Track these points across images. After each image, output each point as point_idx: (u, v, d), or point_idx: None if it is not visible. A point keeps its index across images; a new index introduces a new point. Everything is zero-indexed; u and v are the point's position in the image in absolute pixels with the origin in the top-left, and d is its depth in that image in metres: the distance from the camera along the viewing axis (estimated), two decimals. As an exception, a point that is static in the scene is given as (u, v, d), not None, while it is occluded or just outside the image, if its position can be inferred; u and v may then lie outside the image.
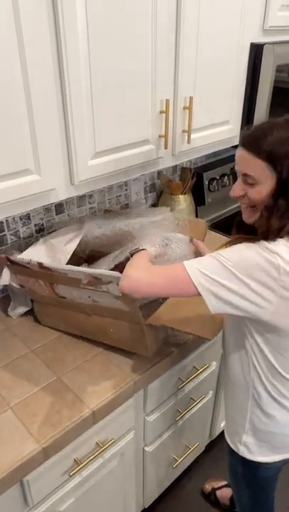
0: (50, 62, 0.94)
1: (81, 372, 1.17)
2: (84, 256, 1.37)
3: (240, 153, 0.88)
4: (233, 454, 1.15)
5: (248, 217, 0.95)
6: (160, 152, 1.31)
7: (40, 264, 1.09)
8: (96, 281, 1.03)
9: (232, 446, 1.15)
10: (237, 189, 0.92)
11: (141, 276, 0.92)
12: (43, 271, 1.10)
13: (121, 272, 0.99)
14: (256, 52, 1.48)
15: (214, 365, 1.55)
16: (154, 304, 1.13)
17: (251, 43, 1.47)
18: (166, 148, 1.29)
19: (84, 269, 1.06)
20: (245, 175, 0.89)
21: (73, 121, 1.03)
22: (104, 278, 1.01)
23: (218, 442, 1.84)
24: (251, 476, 1.18)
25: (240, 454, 1.12)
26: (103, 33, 1.01)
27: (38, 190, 1.04)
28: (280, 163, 0.83)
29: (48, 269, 1.09)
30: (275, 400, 1.02)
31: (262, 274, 0.83)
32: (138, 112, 1.18)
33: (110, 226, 1.29)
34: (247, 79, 1.53)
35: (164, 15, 1.12)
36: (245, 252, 0.85)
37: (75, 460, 1.10)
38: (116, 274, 0.99)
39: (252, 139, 0.86)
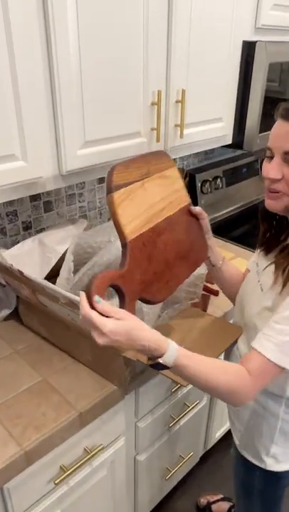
0: (38, 45, 0.91)
1: (68, 374, 1.10)
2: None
3: (281, 127, 0.76)
4: (252, 469, 1.05)
5: (274, 204, 0.82)
6: (152, 146, 1.27)
7: (21, 272, 1.02)
8: (74, 304, 0.94)
9: (255, 461, 1.04)
10: (273, 170, 0.78)
11: (254, 392, 0.81)
12: (24, 278, 1.04)
13: None
14: (248, 49, 1.47)
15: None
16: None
17: (243, 41, 1.46)
18: (158, 141, 1.26)
19: (58, 289, 0.96)
20: (287, 153, 0.76)
21: (61, 107, 0.99)
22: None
23: (213, 453, 1.76)
24: (270, 489, 1.08)
25: (267, 468, 1.03)
26: (93, 18, 0.98)
27: (25, 177, 0.99)
28: None
29: (28, 278, 1.02)
30: None
31: None
32: (129, 102, 1.15)
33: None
34: (240, 77, 1.51)
35: (155, 3, 1.10)
36: None
37: (61, 467, 1.02)
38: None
39: None
